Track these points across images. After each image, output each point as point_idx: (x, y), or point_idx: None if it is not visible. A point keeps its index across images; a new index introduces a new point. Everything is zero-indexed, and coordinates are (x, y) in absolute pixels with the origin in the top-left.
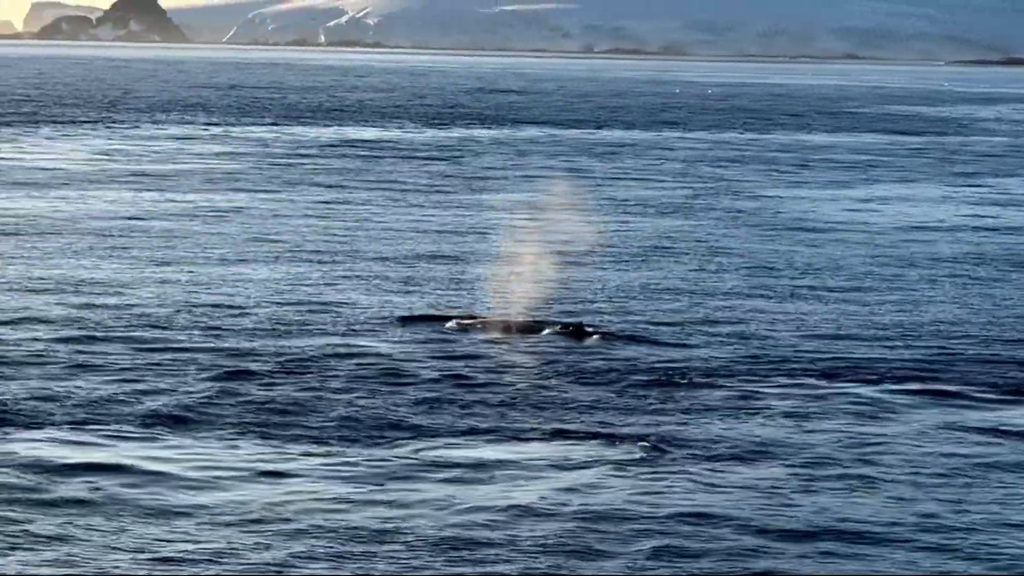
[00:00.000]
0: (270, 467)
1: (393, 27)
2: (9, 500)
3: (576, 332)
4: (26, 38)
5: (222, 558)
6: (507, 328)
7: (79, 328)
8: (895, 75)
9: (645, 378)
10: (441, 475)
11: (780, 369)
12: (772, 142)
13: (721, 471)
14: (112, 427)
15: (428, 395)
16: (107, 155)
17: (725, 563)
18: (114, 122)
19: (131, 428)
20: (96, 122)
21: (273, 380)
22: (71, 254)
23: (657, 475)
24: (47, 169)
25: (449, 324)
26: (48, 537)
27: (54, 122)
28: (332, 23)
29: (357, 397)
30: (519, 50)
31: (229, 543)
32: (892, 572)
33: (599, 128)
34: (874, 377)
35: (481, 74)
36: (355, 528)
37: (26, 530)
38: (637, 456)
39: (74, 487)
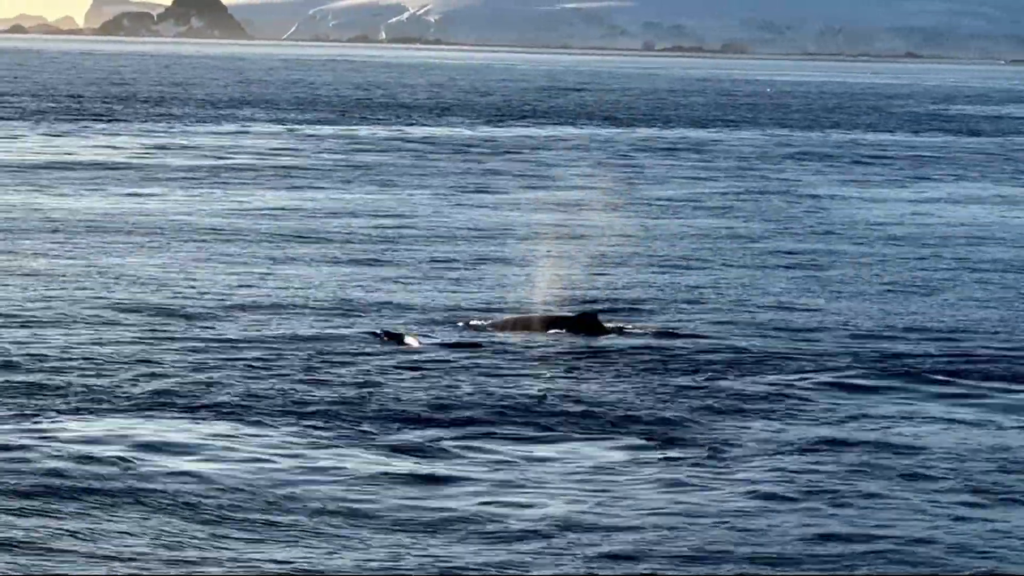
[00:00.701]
0: (294, 460)
1: (454, 24)
2: (49, 489)
3: (611, 330)
4: (87, 34)
5: (245, 550)
6: (542, 325)
7: (123, 323)
8: (955, 74)
9: (682, 375)
10: (466, 470)
11: (822, 366)
12: (827, 140)
13: (757, 469)
14: (154, 414)
15: (454, 391)
16: (161, 150)
17: (760, 566)
18: (172, 117)
19: (172, 415)
20: (153, 117)
21: (304, 375)
22: (118, 249)
23: (692, 474)
24: (100, 164)
25: (484, 322)
26: (82, 530)
27: (113, 119)
28: (393, 20)
29: (395, 391)
30: (579, 48)
31: (255, 535)
32: (932, 573)
33: (658, 125)
34: (921, 375)
35: (544, 72)
36: (383, 523)
37: (62, 521)
38: (664, 454)
39: (116, 476)
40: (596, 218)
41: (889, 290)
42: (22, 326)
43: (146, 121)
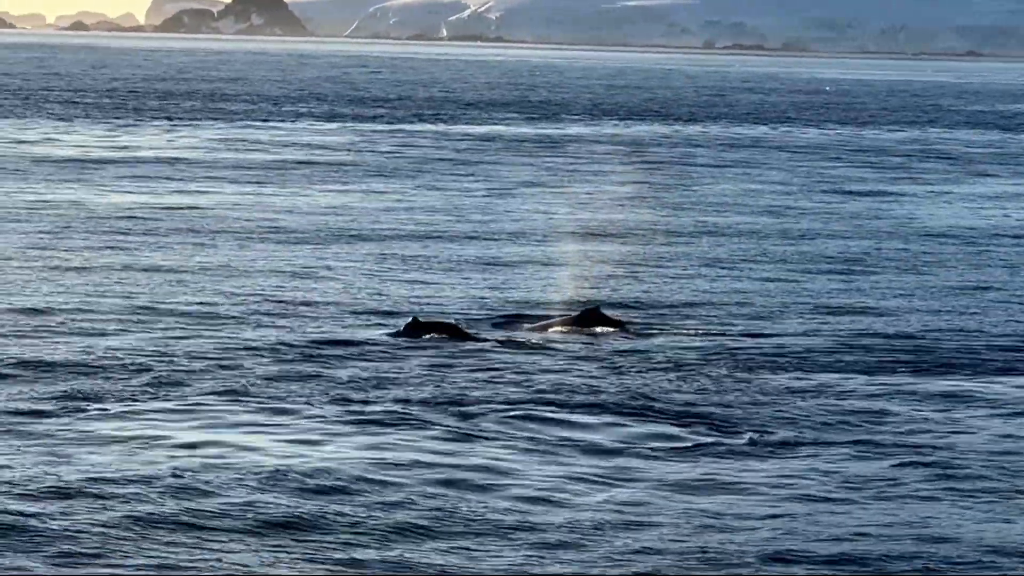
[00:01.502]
0: (333, 445)
1: (515, 22)
2: (95, 482)
3: (617, 323)
4: (148, 31)
5: (293, 525)
6: (554, 319)
7: (168, 319)
8: (1017, 72)
9: (713, 368)
10: (496, 454)
11: (863, 364)
12: (882, 137)
13: (791, 463)
14: (192, 401)
15: (472, 384)
16: (212, 147)
17: (796, 563)
18: (226, 113)
19: (213, 402)
20: (208, 114)
21: (333, 367)
22: (157, 244)
23: (732, 465)
24: (151, 161)
25: (509, 318)
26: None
27: (167, 116)
28: (454, 17)
29: (421, 381)
30: (639, 45)
31: (297, 512)
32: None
33: (713, 122)
34: (966, 374)
35: (606, 69)
36: (418, 508)
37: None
38: (690, 443)
39: (159, 464)
40: (644, 215)
41: (939, 289)
42: (63, 323)
43: (203, 117)
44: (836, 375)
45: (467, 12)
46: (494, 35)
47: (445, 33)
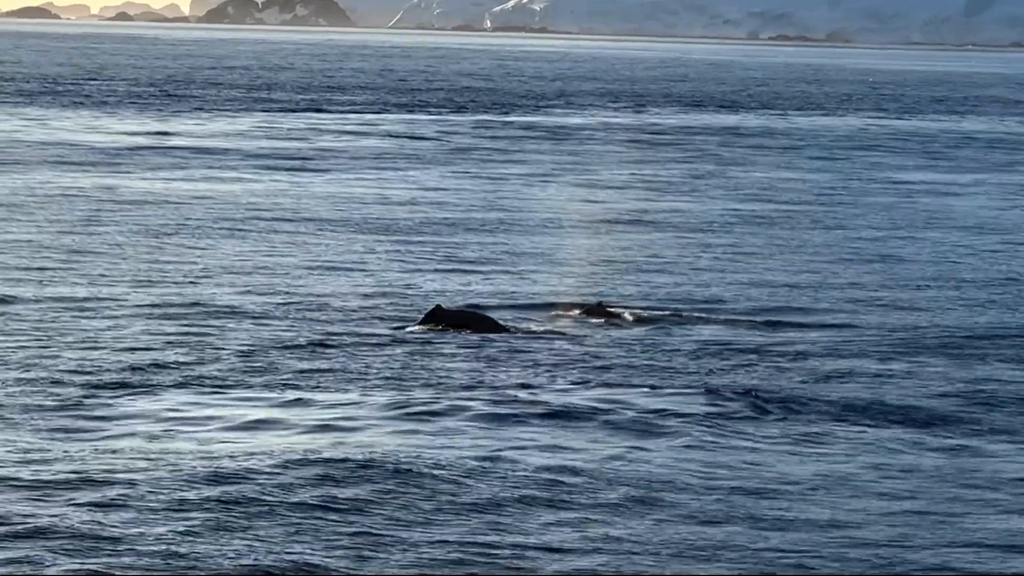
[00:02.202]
0: (354, 426)
1: (559, 13)
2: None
3: (619, 317)
4: (192, 22)
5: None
6: (562, 313)
7: (191, 305)
8: None
9: (737, 356)
10: (523, 431)
11: (885, 350)
12: (921, 127)
13: (812, 436)
14: (222, 389)
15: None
16: (252, 136)
17: (814, 547)
18: (266, 101)
19: (242, 391)
20: (249, 104)
21: (358, 354)
22: (190, 231)
23: (755, 445)
24: (189, 149)
25: (521, 309)
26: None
27: (208, 106)
28: (498, 8)
29: (439, 370)
30: (683, 37)
31: (332, 496)
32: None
33: (751, 112)
34: (996, 362)
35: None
36: (459, 487)
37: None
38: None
39: (189, 451)
40: (680, 205)
41: (974, 280)
42: (91, 311)
43: (244, 107)
44: (863, 361)
45: (511, 3)
46: (538, 26)
47: (489, 24)
